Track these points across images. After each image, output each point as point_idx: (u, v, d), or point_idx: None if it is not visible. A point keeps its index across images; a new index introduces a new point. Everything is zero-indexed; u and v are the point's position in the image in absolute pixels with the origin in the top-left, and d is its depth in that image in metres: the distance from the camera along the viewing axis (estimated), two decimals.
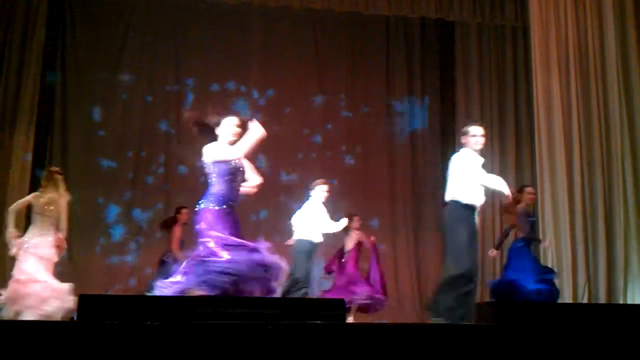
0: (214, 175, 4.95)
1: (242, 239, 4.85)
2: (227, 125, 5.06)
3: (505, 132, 10.28)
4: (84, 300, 3.99)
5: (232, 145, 4.98)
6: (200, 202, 4.90)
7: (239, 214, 5.03)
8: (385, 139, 10.55)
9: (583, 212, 8.54)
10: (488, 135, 10.08)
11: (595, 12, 8.87)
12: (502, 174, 9.87)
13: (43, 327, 3.74)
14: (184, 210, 8.17)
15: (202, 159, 4.94)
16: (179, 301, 4.38)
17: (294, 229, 7.35)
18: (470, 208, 5.59)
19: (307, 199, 7.48)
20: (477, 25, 10.26)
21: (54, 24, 9.55)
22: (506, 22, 10.07)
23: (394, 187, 10.38)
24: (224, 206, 4.94)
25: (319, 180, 7.53)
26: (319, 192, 7.38)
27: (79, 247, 9.34)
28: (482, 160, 5.76)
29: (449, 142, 10.07)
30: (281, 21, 10.24)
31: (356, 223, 8.18)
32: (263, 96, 10.28)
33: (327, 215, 7.41)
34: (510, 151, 10.22)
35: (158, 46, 10.10)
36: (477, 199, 5.63)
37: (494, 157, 10.16)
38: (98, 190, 9.61)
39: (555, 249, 8.46)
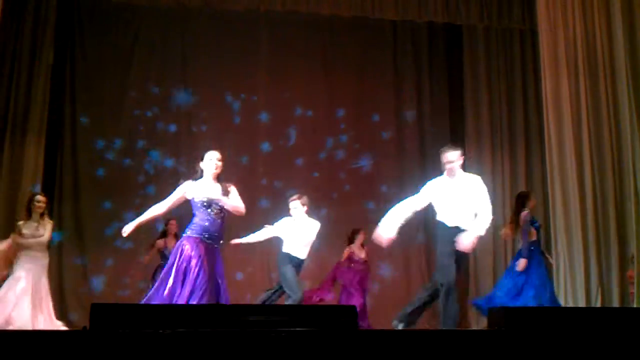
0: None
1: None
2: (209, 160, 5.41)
3: (515, 135, 10.26)
4: (95, 310, 4.00)
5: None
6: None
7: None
8: (394, 143, 10.54)
9: (595, 214, 8.48)
10: (497, 139, 10.17)
11: (603, 13, 8.82)
12: (512, 177, 9.91)
13: (56, 337, 3.75)
14: (172, 222, 8.22)
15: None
16: (190, 309, 4.38)
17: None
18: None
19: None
20: (484, 28, 10.25)
21: (63, 35, 9.65)
22: (514, 25, 10.04)
23: (404, 193, 10.32)
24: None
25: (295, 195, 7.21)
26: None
27: (89, 253, 9.44)
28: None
29: (458, 147, 10.02)
30: (288, 27, 10.27)
31: (362, 237, 8.21)
32: (270, 102, 10.30)
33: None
34: (520, 154, 10.19)
35: (166, 53, 10.16)
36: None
37: (504, 161, 10.15)
38: (108, 198, 9.66)
39: (567, 252, 8.41)
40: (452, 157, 5.95)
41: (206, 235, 5.25)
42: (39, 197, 6.94)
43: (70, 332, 4.87)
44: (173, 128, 10.08)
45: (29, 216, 6.86)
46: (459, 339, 4.07)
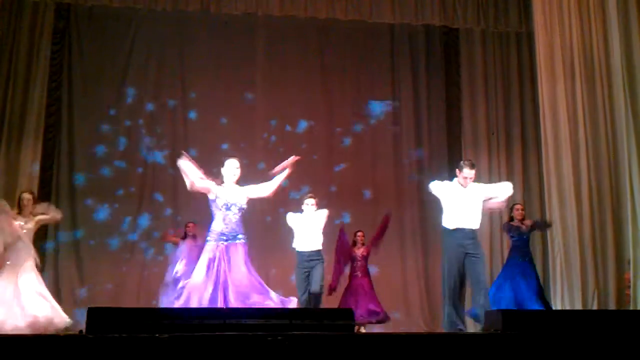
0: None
1: None
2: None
3: (512, 138, 10.27)
4: (92, 313, 4.00)
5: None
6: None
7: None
8: (391, 147, 10.53)
9: (591, 217, 8.49)
10: (494, 141, 10.19)
11: (599, 17, 8.84)
12: (509, 179, 9.88)
13: (52, 342, 3.75)
14: (191, 225, 8.36)
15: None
16: (187, 313, 4.38)
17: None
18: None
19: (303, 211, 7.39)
20: (481, 31, 10.26)
21: (60, 38, 9.63)
22: (510, 28, 10.06)
23: (401, 196, 10.35)
24: None
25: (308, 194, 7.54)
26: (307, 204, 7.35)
27: (86, 254, 9.44)
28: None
29: (456, 150, 10.05)
30: (286, 31, 10.26)
31: (360, 238, 8.33)
32: (268, 105, 10.30)
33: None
34: (517, 156, 10.20)
35: (164, 58, 10.14)
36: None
37: (501, 163, 10.16)
38: (105, 202, 9.66)
39: (564, 254, 8.42)
40: (470, 174, 6.26)
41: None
42: (24, 195, 7.15)
43: (67, 337, 4.86)
44: (171, 131, 10.05)
45: (19, 213, 7.02)
46: (456, 342, 4.07)
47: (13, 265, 6.79)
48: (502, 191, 6.43)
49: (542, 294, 7.79)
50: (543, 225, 8.30)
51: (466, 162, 6.38)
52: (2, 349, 3.51)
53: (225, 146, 9.88)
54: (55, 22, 9.48)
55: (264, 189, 5.91)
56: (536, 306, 7.44)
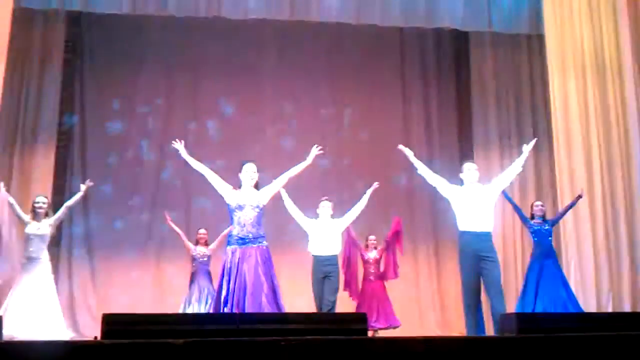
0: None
1: None
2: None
3: (524, 141, 10.14)
4: (107, 319, 4.01)
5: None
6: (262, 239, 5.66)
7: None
8: (401, 152, 10.48)
9: (604, 218, 8.45)
10: (506, 144, 10.12)
11: (610, 17, 8.82)
12: (521, 182, 9.87)
13: (66, 348, 3.76)
14: (202, 232, 8.39)
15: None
16: (202, 319, 4.39)
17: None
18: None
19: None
20: (491, 34, 10.23)
21: (72, 47, 9.71)
22: (521, 31, 10.02)
23: (413, 200, 10.33)
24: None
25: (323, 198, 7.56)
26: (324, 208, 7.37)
27: (100, 261, 9.48)
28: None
29: (466, 154, 10.01)
30: (295, 35, 10.29)
31: (372, 242, 8.35)
32: (278, 110, 10.32)
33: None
34: (529, 160, 10.08)
35: (174, 64, 10.20)
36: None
37: None
38: (118, 205, 9.71)
39: (578, 257, 8.38)
40: (472, 167, 6.34)
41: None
42: (39, 198, 7.26)
43: (81, 343, 4.88)
44: (182, 136, 10.06)
45: (34, 218, 7.12)
46: (470, 346, 4.06)
47: (30, 273, 6.84)
48: (513, 171, 6.45)
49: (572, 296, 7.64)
50: (573, 204, 8.02)
51: (463, 163, 6.50)
52: (16, 355, 3.53)
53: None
54: (66, 31, 9.56)
55: (277, 183, 5.96)
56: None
